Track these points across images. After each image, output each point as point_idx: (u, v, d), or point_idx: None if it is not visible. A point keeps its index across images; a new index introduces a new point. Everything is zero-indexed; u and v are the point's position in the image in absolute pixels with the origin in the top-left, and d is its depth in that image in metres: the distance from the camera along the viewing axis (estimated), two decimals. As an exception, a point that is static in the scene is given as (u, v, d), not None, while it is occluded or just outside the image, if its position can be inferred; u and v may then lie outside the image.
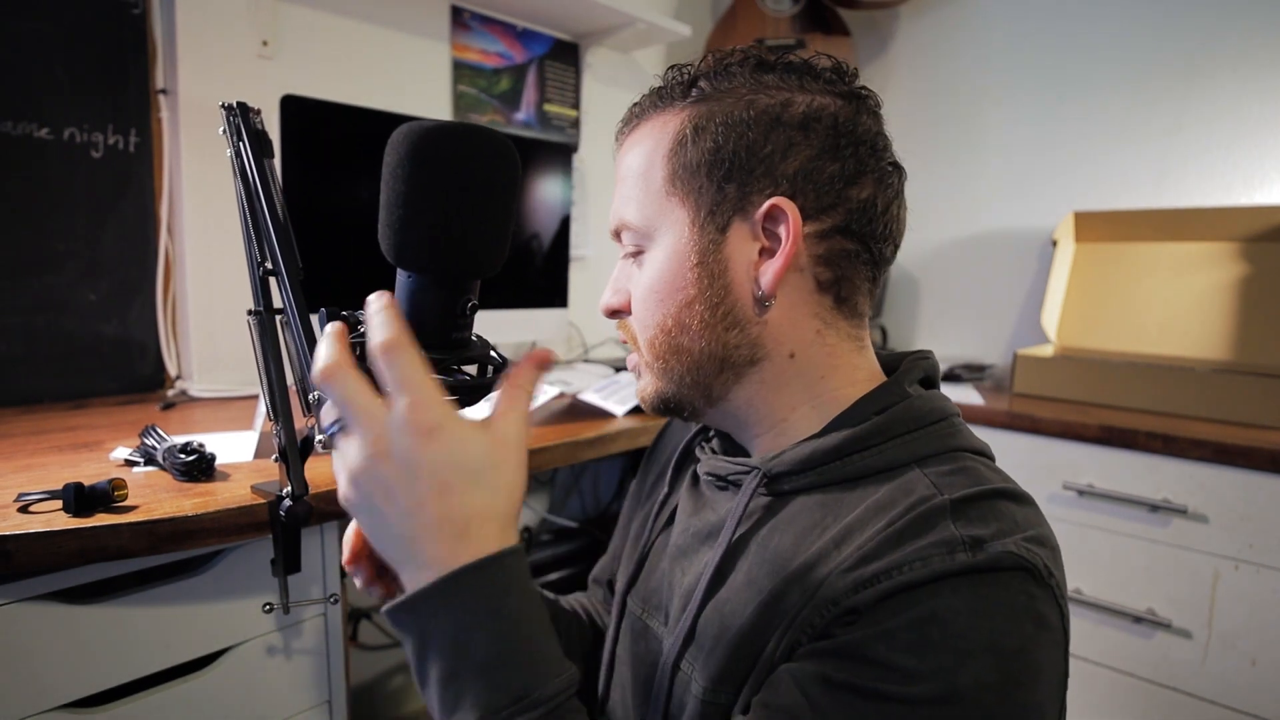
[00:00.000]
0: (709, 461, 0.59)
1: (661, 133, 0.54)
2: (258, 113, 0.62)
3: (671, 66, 0.56)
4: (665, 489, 0.66)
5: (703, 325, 0.53)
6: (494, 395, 0.46)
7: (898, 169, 0.54)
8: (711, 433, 0.64)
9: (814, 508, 0.50)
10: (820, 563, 0.46)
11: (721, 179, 0.51)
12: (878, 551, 0.44)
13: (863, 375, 0.55)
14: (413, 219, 0.48)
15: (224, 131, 0.62)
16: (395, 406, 0.40)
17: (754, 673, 0.48)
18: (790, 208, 0.50)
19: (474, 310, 0.53)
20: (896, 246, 0.55)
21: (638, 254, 0.56)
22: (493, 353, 0.56)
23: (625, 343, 0.60)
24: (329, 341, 0.42)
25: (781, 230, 0.51)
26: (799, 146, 0.51)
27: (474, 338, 0.56)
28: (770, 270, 0.51)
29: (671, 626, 0.56)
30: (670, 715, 0.53)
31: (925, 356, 0.57)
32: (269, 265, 0.61)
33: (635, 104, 0.58)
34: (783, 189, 0.51)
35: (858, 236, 0.52)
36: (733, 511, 0.53)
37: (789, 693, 0.43)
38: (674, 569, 0.59)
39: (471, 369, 0.56)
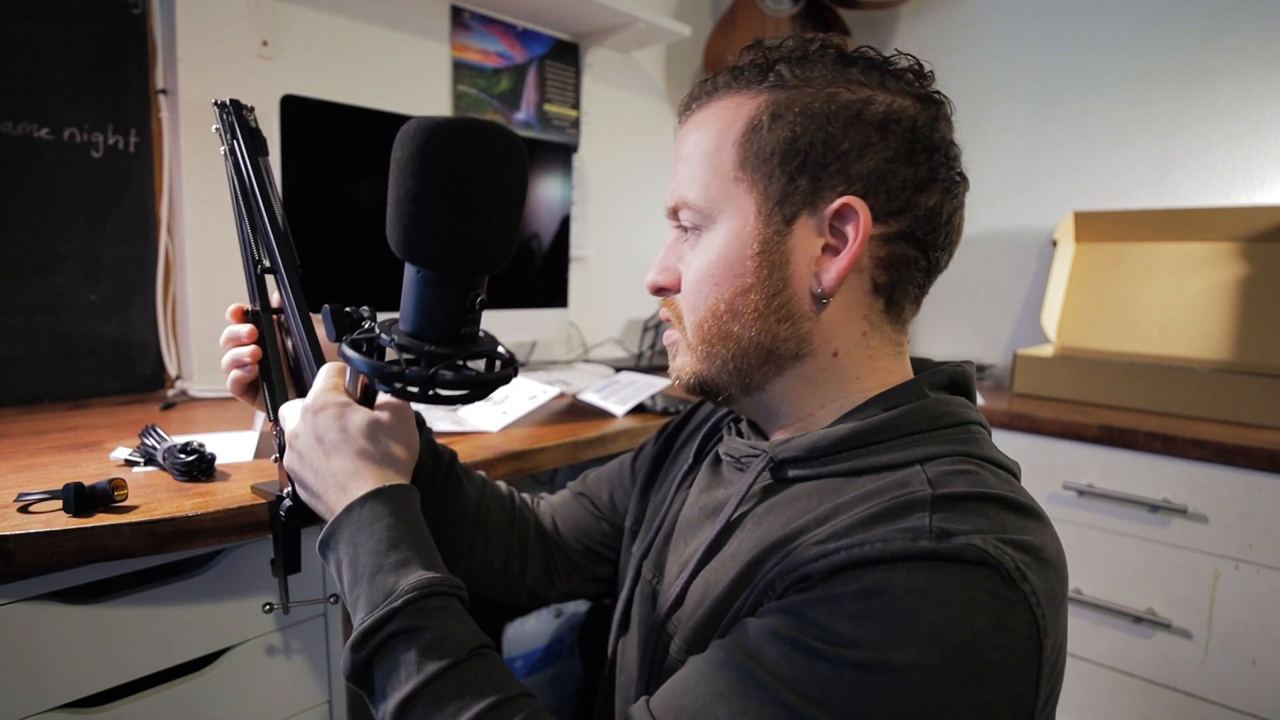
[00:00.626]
0: (728, 442, 0.60)
1: (734, 115, 0.53)
2: (251, 110, 0.62)
3: (749, 46, 0.55)
4: (690, 460, 0.67)
5: (755, 314, 0.53)
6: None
7: (964, 179, 0.54)
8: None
9: (812, 494, 0.51)
10: (798, 537, 0.47)
11: (794, 170, 0.51)
12: (849, 530, 0.44)
13: (895, 379, 0.55)
14: (423, 214, 0.47)
15: (217, 129, 0.62)
16: (305, 402, 0.59)
17: (719, 631, 0.49)
18: (862, 208, 0.50)
19: (483, 306, 0.52)
20: (951, 256, 0.55)
21: (695, 234, 0.55)
22: (500, 348, 0.55)
23: (667, 320, 0.59)
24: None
25: (849, 229, 0.50)
26: (875, 147, 0.50)
27: (481, 333, 0.55)
28: (834, 268, 0.51)
29: (665, 591, 0.58)
30: (653, 673, 0.55)
31: (959, 365, 0.57)
32: (266, 263, 0.61)
33: (706, 80, 0.56)
34: (855, 188, 0.50)
35: (919, 243, 0.52)
36: (737, 491, 0.54)
37: (735, 637, 0.45)
38: (679, 539, 0.61)
39: (479, 364, 0.55)
